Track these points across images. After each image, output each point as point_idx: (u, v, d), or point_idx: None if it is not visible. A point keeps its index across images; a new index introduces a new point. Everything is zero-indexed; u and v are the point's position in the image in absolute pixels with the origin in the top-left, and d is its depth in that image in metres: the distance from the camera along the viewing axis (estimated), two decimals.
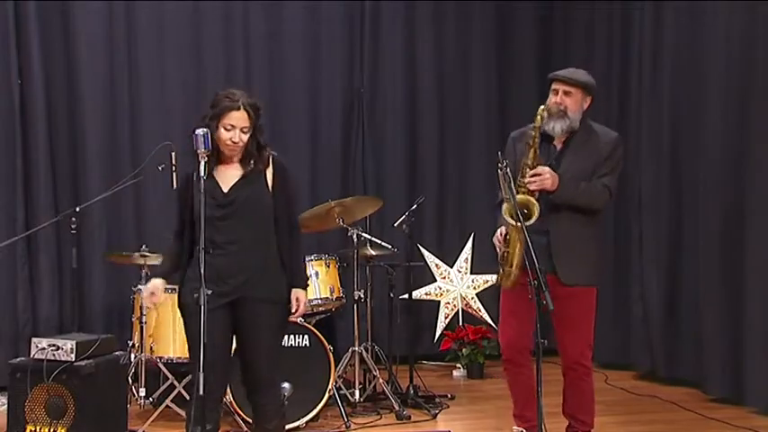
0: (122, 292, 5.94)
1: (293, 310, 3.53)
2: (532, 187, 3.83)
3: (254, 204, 3.46)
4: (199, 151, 3.32)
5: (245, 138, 3.46)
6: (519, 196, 3.74)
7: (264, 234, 3.48)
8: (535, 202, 3.78)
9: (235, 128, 3.42)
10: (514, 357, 3.95)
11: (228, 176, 3.48)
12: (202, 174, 3.31)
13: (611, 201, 4.02)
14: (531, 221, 3.69)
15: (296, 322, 4.89)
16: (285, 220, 3.53)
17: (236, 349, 3.54)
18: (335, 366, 4.93)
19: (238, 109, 3.42)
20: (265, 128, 7.30)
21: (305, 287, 3.58)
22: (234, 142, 3.43)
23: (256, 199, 3.47)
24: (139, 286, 5.08)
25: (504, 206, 3.77)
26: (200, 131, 3.33)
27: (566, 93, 3.92)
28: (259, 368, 3.48)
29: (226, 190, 3.46)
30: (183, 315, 3.54)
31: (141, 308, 5.04)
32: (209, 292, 3.18)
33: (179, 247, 3.55)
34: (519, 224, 3.59)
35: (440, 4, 6.99)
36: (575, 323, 3.94)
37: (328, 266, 5.28)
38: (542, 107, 3.88)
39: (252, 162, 3.48)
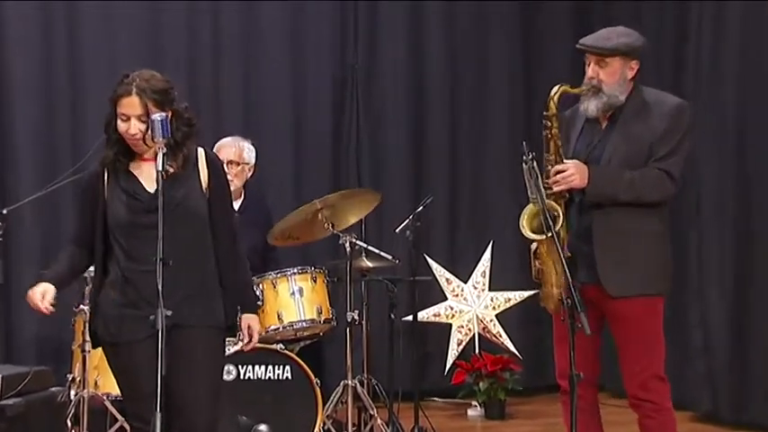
0: (60, 313, 5.74)
1: (245, 341, 3.56)
2: (557, 188, 3.79)
3: (190, 209, 3.46)
4: (156, 141, 3.31)
5: (144, 128, 3.39)
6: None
7: (200, 245, 3.49)
8: (558, 207, 3.76)
9: (129, 117, 3.39)
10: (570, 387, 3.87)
11: (150, 174, 3.44)
12: (160, 167, 3.29)
13: (676, 188, 3.86)
14: (553, 232, 3.66)
15: (275, 350, 4.91)
16: (225, 228, 3.55)
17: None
18: (324, 404, 4.91)
19: (129, 94, 3.39)
20: (236, 113, 7.14)
21: (256, 311, 3.65)
22: (131, 135, 3.40)
23: (191, 202, 3.46)
24: (82, 306, 4.99)
25: (525, 211, 3.74)
26: (157, 116, 3.33)
27: (599, 63, 3.84)
28: (198, 410, 3.41)
29: (152, 190, 3.43)
30: (106, 351, 3.50)
31: (84, 334, 4.92)
32: (169, 312, 3.14)
33: (78, 256, 3.52)
34: (547, 235, 3.57)
35: None
36: (632, 346, 3.84)
37: (315, 281, 5.22)
38: (556, 88, 3.82)
39: (177, 156, 3.43)
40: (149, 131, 3.32)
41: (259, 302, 4.88)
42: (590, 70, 3.84)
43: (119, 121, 3.40)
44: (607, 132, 3.89)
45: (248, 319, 3.57)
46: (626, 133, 3.85)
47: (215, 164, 3.57)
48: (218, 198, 3.53)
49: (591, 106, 3.84)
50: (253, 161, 5.50)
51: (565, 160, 3.81)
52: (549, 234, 3.54)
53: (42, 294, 3.40)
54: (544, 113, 3.79)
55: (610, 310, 3.81)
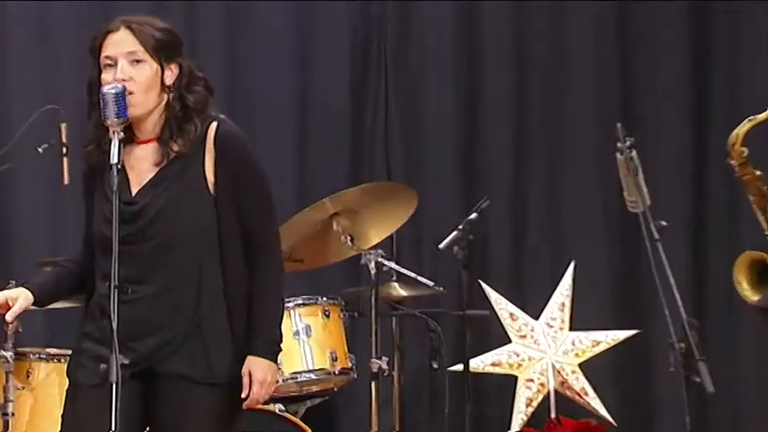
0: None
1: (243, 394, 3.49)
2: None
3: (179, 217, 3.49)
4: (109, 122, 3.37)
5: (140, 73, 3.44)
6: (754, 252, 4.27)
7: (198, 266, 3.50)
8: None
9: (116, 61, 3.44)
10: None
11: (145, 165, 3.52)
12: (114, 160, 3.36)
13: None
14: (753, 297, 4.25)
15: (273, 412, 5.16)
16: (237, 236, 3.53)
17: None
18: None
19: (116, 30, 3.46)
20: (215, 82, 7.19)
21: (272, 355, 3.55)
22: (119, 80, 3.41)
23: (182, 207, 3.49)
24: (3, 351, 5.12)
25: (739, 261, 4.20)
26: (109, 89, 3.39)
27: None
28: None
29: (134, 192, 3.48)
30: (67, 397, 3.56)
31: (6, 389, 5.10)
32: (126, 361, 3.25)
33: (72, 265, 3.62)
34: None
35: None
36: None
37: (327, 317, 5.39)
38: (737, 130, 4.17)
39: (176, 139, 3.48)
40: (103, 106, 3.36)
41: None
42: None
43: (103, 76, 3.44)
44: None
45: (252, 363, 3.48)
46: None
47: (227, 144, 3.50)
48: (232, 195, 3.50)
49: None
50: None
51: None
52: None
53: (9, 298, 3.47)
54: (729, 161, 4.09)
55: None
